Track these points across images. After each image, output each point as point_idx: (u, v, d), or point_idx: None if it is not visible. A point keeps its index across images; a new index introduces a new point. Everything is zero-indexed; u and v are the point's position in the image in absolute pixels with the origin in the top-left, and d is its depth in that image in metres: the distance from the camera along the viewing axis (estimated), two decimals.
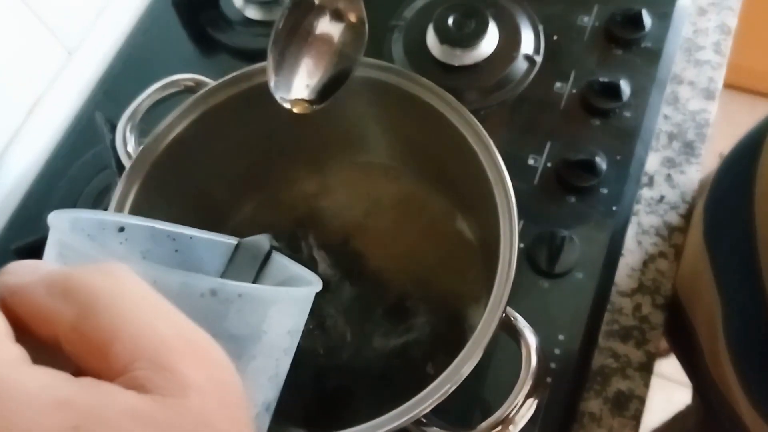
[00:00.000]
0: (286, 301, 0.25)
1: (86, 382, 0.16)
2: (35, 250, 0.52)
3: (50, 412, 0.15)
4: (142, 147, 0.43)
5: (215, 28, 0.64)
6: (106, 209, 0.41)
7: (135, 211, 0.41)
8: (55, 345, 0.17)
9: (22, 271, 0.19)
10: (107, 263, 0.19)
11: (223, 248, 0.34)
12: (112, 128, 0.52)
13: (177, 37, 0.65)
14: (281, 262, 0.33)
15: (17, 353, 0.17)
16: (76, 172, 0.58)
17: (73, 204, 0.56)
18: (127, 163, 0.43)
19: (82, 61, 0.64)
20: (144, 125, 0.46)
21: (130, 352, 0.17)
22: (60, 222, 0.24)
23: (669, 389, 1.12)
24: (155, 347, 0.17)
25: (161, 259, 0.32)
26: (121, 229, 0.30)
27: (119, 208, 0.41)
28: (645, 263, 0.52)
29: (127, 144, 0.46)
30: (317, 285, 0.27)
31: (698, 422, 0.65)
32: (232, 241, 0.34)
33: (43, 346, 0.18)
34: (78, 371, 0.17)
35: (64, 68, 0.63)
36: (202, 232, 0.33)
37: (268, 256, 0.33)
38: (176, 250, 0.32)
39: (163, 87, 0.46)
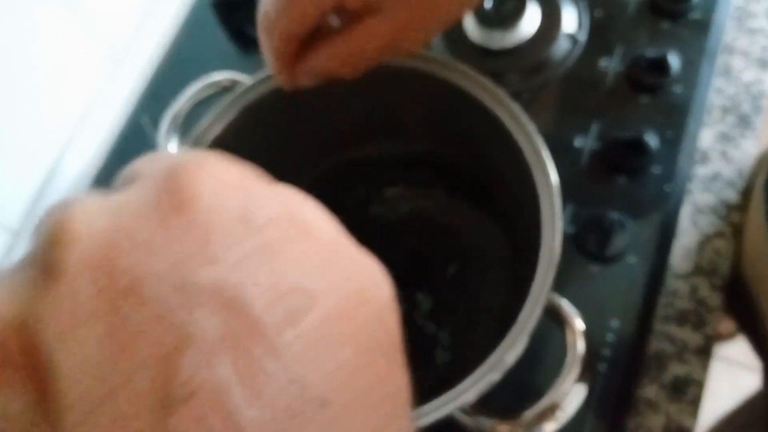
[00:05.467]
0: None
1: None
2: None
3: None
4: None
5: (252, 26, 0.64)
6: None
7: None
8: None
9: None
10: None
11: None
12: None
13: (217, 37, 0.65)
14: None
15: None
16: None
17: None
18: None
19: (128, 67, 0.66)
20: (187, 126, 0.47)
21: None
22: None
23: (735, 374, 1.07)
24: None
25: None
26: None
27: None
28: (701, 244, 0.50)
29: (170, 147, 0.47)
30: None
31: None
32: None
33: None
34: None
35: (111, 75, 0.65)
36: None
37: None
38: None
39: (201, 89, 0.47)
